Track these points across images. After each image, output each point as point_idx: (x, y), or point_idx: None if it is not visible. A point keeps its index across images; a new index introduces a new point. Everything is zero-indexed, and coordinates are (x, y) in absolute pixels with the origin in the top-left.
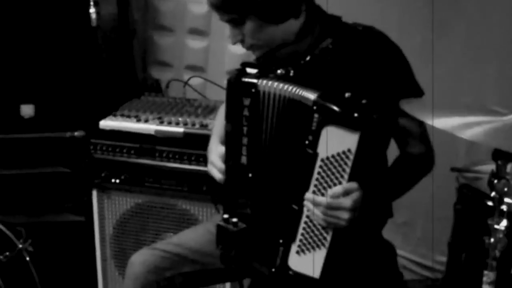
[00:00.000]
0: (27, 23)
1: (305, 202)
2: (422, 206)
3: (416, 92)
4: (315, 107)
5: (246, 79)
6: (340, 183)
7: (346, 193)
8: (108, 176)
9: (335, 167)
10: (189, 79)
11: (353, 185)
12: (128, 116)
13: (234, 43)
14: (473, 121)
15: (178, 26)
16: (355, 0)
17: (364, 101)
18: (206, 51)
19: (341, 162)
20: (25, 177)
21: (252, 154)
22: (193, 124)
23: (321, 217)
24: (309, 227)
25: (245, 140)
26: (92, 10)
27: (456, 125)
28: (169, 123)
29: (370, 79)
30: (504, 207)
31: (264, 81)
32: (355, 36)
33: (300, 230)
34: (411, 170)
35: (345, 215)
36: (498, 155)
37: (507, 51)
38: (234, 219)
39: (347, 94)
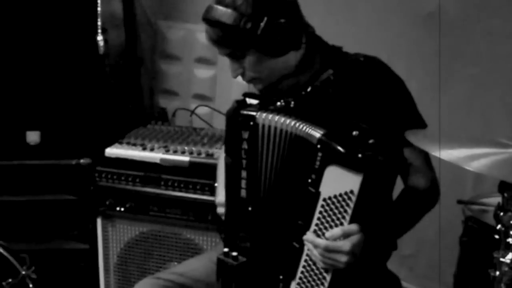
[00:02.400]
0: (34, 50)
1: (305, 242)
2: (428, 238)
3: (419, 124)
4: (319, 146)
5: (245, 112)
6: (341, 224)
7: (345, 235)
8: (113, 204)
9: (337, 208)
10: (195, 108)
11: (353, 227)
12: (134, 144)
13: (235, 77)
14: (480, 153)
15: (186, 55)
16: (363, 30)
17: (371, 141)
18: (214, 80)
19: (343, 203)
20: (30, 204)
21: (252, 187)
22: (199, 153)
23: (319, 258)
24: (309, 265)
25: (244, 174)
26: (99, 37)
27: (462, 156)
28: (175, 152)
29: (372, 111)
30: (510, 240)
31: (264, 114)
32: (357, 67)
33: (300, 268)
34: (415, 205)
35: (343, 258)
36: (504, 187)
37: None
38: (234, 253)
39: (354, 133)
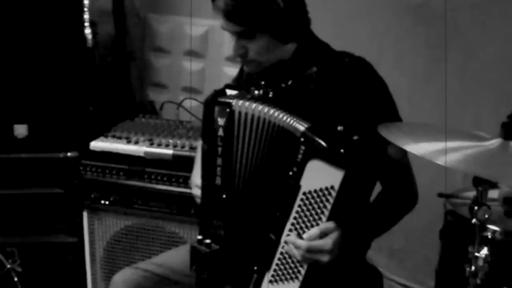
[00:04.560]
0: (21, 43)
1: (285, 245)
2: (418, 232)
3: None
4: (302, 139)
5: (222, 99)
6: (320, 219)
7: (323, 234)
8: (98, 198)
9: (316, 202)
10: (182, 101)
11: (330, 225)
12: (119, 138)
13: (236, 56)
14: (451, 147)
15: (175, 48)
16: (352, 22)
17: (356, 137)
18: (202, 73)
19: (323, 198)
20: (17, 197)
21: (227, 175)
22: (183, 146)
23: (301, 259)
24: (284, 258)
25: (219, 161)
26: (87, 31)
27: (432, 150)
28: (159, 145)
29: (352, 111)
30: (488, 234)
31: (240, 101)
32: (341, 67)
33: (276, 260)
34: (393, 206)
35: (325, 258)
36: (479, 181)
37: (503, 78)
38: (208, 241)
39: (339, 128)
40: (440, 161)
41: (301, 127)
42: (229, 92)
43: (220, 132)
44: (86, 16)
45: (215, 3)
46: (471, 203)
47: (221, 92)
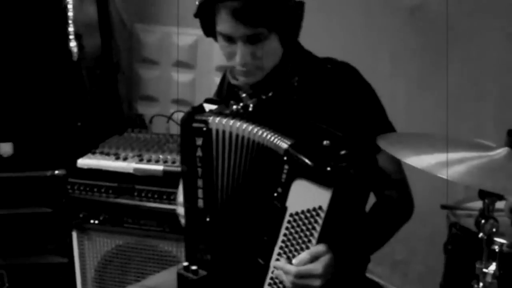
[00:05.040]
0: (4, 59)
1: (275, 270)
2: (421, 243)
3: (389, 132)
4: (285, 158)
5: (198, 117)
6: (309, 241)
7: (313, 258)
8: (87, 217)
9: (304, 224)
10: (172, 113)
11: (321, 248)
12: (107, 154)
13: (243, 63)
14: (454, 158)
15: (163, 59)
16: (346, 27)
17: (343, 152)
18: (193, 84)
19: (311, 220)
20: (4, 218)
21: (209, 197)
22: (173, 162)
23: (291, 285)
24: (275, 283)
25: (200, 183)
26: (73, 44)
27: (434, 163)
28: (149, 161)
29: (339, 120)
30: (495, 248)
31: (217, 119)
32: (323, 74)
33: (266, 286)
34: (389, 219)
35: (316, 283)
36: (485, 193)
37: (504, 84)
38: (194, 267)
39: (325, 142)
40: (443, 174)
41: (284, 144)
42: (208, 107)
43: (199, 152)
44: (71, 28)
45: (223, 4)
46: (477, 217)
47: (198, 109)
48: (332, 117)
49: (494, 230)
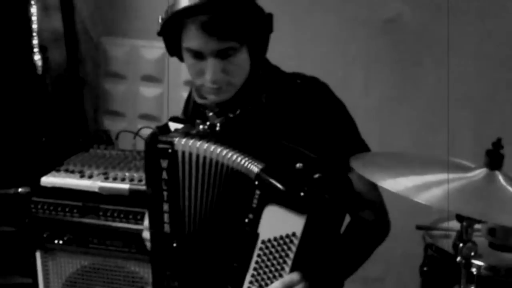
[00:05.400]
0: None
1: None
2: (396, 261)
3: (362, 150)
4: (257, 182)
5: (163, 138)
6: (282, 269)
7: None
8: (51, 237)
9: (277, 251)
10: (139, 129)
11: (294, 277)
12: (72, 172)
13: (215, 80)
14: (431, 181)
15: (130, 73)
16: (318, 40)
17: (317, 176)
18: (161, 99)
19: (285, 247)
20: None
21: (176, 222)
22: (140, 180)
23: None
24: None
25: (166, 207)
26: (37, 57)
27: (410, 186)
28: (115, 179)
29: (311, 138)
30: (473, 270)
31: (183, 140)
32: (293, 90)
33: None
34: (363, 240)
35: None
36: (463, 216)
37: (482, 97)
38: None
39: (298, 165)
40: (421, 198)
41: (255, 168)
42: (174, 126)
43: (164, 175)
44: (35, 41)
45: (191, 19)
46: (455, 240)
47: (163, 129)
48: (302, 135)
49: (472, 253)
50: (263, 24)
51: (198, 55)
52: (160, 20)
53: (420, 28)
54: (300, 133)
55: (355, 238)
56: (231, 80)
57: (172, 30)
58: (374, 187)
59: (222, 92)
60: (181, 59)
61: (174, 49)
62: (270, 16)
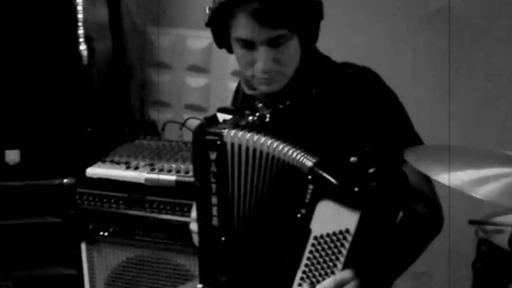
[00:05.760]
0: (9, 63)
1: None
2: (445, 255)
3: (416, 141)
4: (310, 177)
5: (211, 129)
6: (335, 266)
7: (339, 285)
8: (96, 229)
9: (330, 248)
10: (185, 120)
11: (347, 275)
12: (118, 163)
13: (268, 69)
14: (489, 175)
15: (176, 63)
16: (366, 30)
17: (372, 170)
18: (207, 89)
19: (337, 243)
20: (11, 228)
21: (224, 215)
22: (187, 172)
23: None
24: None
25: (214, 200)
26: (82, 47)
27: (467, 180)
28: (161, 170)
29: (363, 129)
30: None
31: (232, 131)
32: (344, 79)
33: None
34: (418, 236)
35: None
36: None
37: None
38: None
39: (352, 159)
40: (478, 193)
41: (309, 162)
42: (222, 117)
43: (213, 168)
44: (81, 31)
45: (241, 8)
46: (511, 236)
47: (211, 120)
48: (353, 126)
49: None
50: (314, 11)
51: (248, 45)
52: (207, 11)
53: (470, 18)
54: (352, 124)
55: (408, 233)
56: (282, 70)
57: (220, 21)
58: (427, 179)
59: (273, 82)
60: (230, 50)
61: (222, 40)
62: (320, 3)
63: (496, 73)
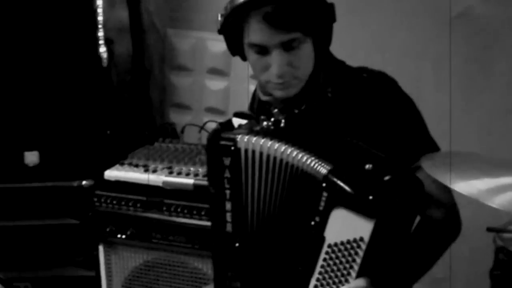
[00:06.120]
0: (31, 64)
1: None
2: (463, 261)
3: (432, 148)
4: (324, 184)
5: (226, 135)
6: (349, 274)
7: None
8: (114, 231)
9: (344, 256)
10: (205, 123)
11: (361, 283)
12: (136, 165)
13: (281, 74)
14: (506, 184)
15: (197, 66)
16: (385, 34)
17: (387, 178)
18: (227, 92)
19: (351, 252)
20: (30, 229)
21: (238, 221)
22: (205, 175)
23: None
24: None
25: (228, 206)
26: (102, 49)
27: (483, 189)
28: (179, 174)
29: (379, 135)
30: None
31: (246, 137)
32: (359, 84)
33: None
34: (433, 241)
35: None
36: None
37: None
38: None
39: (367, 166)
40: (495, 203)
41: (323, 169)
42: (237, 121)
43: (227, 173)
44: (101, 33)
45: (254, 13)
46: None
47: (226, 125)
48: (369, 132)
49: None
50: (326, 13)
51: (262, 50)
52: (220, 18)
53: (491, 21)
54: (367, 129)
55: (424, 239)
56: (297, 74)
57: (233, 27)
58: (444, 184)
59: (288, 87)
60: (243, 57)
61: (236, 47)
62: (331, 5)
63: None
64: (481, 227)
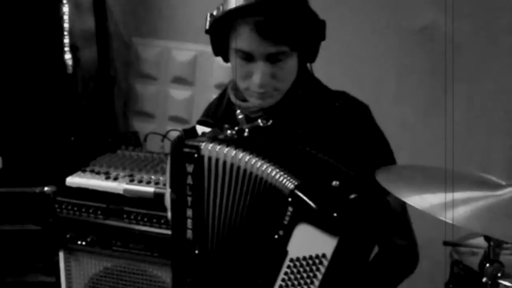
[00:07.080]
0: None
1: None
2: (422, 276)
3: None
4: (290, 199)
5: (190, 142)
6: None
7: None
8: (74, 237)
9: (305, 271)
10: (167, 132)
11: None
12: (98, 173)
13: (264, 84)
14: (459, 198)
15: (161, 75)
16: (351, 48)
17: (353, 196)
18: (191, 101)
19: (313, 267)
20: None
21: (199, 229)
22: (166, 184)
23: None
24: None
25: (189, 212)
26: (68, 56)
27: (437, 204)
28: (140, 182)
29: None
30: None
31: (210, 145)
32: (331, 110)
33: None
34: (393, 271)
35: None
36: None
37: None
38: None
39: (334, 183)
40: (447, 217)
41: (290, 184)
42: (201, 129)
43: (189, 180)
44: (67, 40)
45: (245, 20)
46: (481, 260)
47: (190, 132)
48: (332, 152)
49: (499, 274)
50: (317, 30)
51: (248, 57)
52: (209, 17)
53: (455, 37)
54: (329, 147)
55: (385, 264)
56: (278, 86)
57: (221, 29)
58: (404, 210)
59: (267, 97)
60: (225, 59)
61: (220, 48)
62: (323, 23)
63: (479, 92)
64: (438, 241)
